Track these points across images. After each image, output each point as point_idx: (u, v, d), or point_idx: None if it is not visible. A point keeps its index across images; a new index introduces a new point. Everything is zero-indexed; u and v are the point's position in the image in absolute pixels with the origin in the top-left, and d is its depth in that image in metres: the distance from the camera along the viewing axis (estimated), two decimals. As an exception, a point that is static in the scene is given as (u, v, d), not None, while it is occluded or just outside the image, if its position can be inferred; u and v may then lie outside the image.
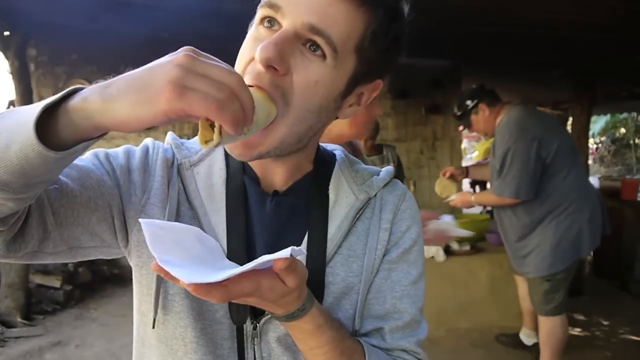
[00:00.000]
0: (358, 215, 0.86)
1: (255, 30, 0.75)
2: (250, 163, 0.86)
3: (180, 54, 0.56)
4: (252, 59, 0.71)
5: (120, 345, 4.24)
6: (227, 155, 0.87)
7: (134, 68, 0.57)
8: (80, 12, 4.56)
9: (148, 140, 0.89)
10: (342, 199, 0.86)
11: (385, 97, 6.56)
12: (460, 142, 7.78)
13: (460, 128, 3.48)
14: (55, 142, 0.56)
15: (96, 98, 0.56)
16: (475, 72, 6.96)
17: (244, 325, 0.82)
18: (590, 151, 15.24)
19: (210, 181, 0.86)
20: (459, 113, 3.39)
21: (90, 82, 0.58)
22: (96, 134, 0.59)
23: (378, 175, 0.91)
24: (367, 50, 0.75)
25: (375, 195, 0.88)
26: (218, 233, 0.82)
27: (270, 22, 0.72)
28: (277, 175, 0.86)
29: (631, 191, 6.48)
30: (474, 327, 4.42)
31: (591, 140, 15.83)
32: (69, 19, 5.22)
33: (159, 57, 0.58)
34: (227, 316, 0.82)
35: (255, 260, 0.60)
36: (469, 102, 3.31)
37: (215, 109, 0.54)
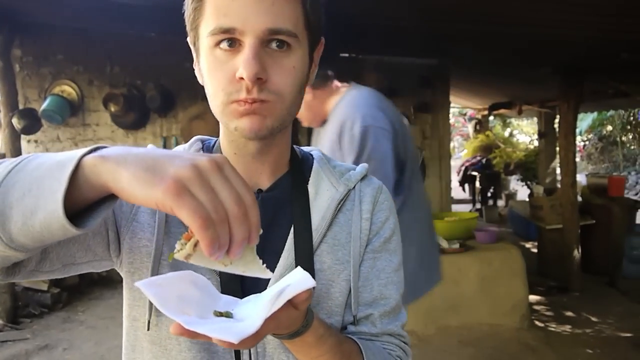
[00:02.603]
0: (339, 207, 0.91)
1: (212, 56, 0.76)
2: (234, 164, 0.87)
3: (207, 158, 0.57)
4: (231, 80, 0.75)
5: (108, 348, 4.21)
6: None
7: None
8: (65, 11, 4.52)
9: None
10: (322, 192, 0.91)
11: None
12: (449, 140, 7.81)
13: None
14: (72, 196, 0.56)
15: (112, 158, 0.56)
16: (463, 71, 6.98)
17: None
18: (578, 149, 15.39)
19: None
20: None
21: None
22: (104, 194, 0.58)
23: (355, 170, 0.97)
24: (313, 20, 0.82)
25: (354, 188, 0.93)
26: None
27: (230, 43, 0.75)
28: (261, 175, 0.90)
29: (618, 188, 6.56)
30: (464, 325, 4.44)
31: (578, 138, 15.98)
32: (54, 18, 5.17)
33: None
34: None
35: (273, 297, 0.60)
36: None
37: (200, 225, 0.52)
